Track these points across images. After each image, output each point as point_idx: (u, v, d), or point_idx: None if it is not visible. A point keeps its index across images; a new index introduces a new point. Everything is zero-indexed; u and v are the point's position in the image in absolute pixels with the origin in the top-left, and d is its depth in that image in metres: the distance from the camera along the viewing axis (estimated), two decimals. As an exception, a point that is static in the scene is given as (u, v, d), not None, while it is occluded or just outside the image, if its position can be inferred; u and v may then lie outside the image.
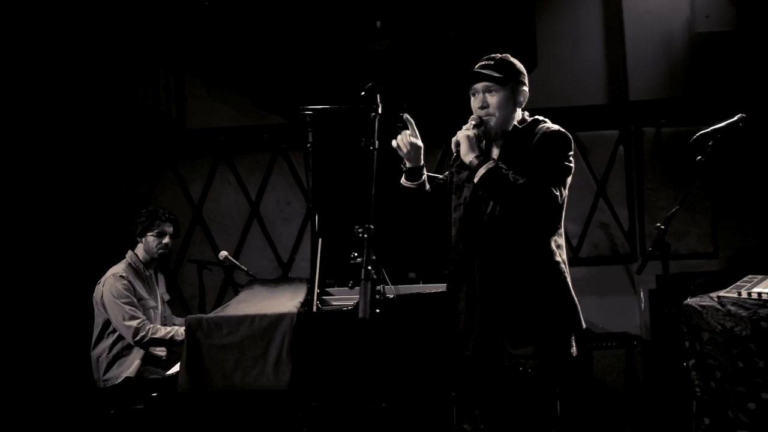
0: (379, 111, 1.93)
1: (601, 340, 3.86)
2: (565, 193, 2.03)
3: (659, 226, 2.41)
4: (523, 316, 1.99)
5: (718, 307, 2.39)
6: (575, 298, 2.09)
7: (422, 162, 2.19)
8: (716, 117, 2.52)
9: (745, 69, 4.28)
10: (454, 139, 2.07)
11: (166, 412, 2.85)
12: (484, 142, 2.13)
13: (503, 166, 1.99)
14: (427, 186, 2.25)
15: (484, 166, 1.97)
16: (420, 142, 2.15)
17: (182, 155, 4.66)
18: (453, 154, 2.08)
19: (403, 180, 2.21)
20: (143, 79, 4.23)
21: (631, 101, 4.45)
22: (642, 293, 4.39)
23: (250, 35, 4.03)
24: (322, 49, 4.00)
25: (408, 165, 2.18)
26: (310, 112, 3.16)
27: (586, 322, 2.14)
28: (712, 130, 2.46)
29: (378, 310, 1.56)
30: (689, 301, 2.51)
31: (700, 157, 2.40)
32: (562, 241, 2.10)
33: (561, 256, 2.08)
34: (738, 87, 4.25)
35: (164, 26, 4.15)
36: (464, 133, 2.05)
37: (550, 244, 2.04)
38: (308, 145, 2.86)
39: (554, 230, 2.08)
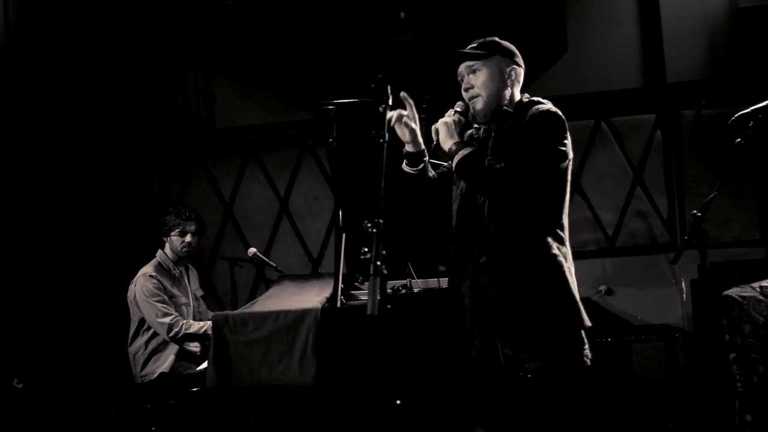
0: (390, 103, 1.89)
1: (639, 333, 3.73)
2: (551, 178, 1.87)
3: (695, 214, 2.31)
4: (514, 314, 1.87)
5: (761, 297, 2.26)
6: (576, 293, 1.93)
7: (423, 147, 2.08)
8: (761, 97, 2.38)
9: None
10: (433, 127, 1.97)
11: (197, 407, 2.90)
12: (482, 129, 2.03)
13: (479, 152, 1.90)
14: (431, 172, 2.16)
15: (459, 153, 1.89)
16: (414, 125, 2.01)
17: (212, 154, 4.74)
18: (433, 142, 1.98)
19: (404, 165, 2.11)
20: (173, 81, 4.31)
21: (668, 83, 4.26)
22: (683, 283, 4.22)
23: (273, 31, 4.05)
24: (346, 43, 3.98)
25: (407, 149, 2.07)
26: (333, 107, 3.13)
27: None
28: (752, 110, 2.34)
29: (389, 306, 1.53)
30: (729, 291, 2.38)
31: (739, 139, 2.29)
32: (564, 234, 1.96)
33: (560, 249, 1.92)
34: (784, 64, 4.03)
35: (191, 28, 4.23)
36: (443, 120, 1.96)
37: (546, 237, 1.90)
38: (331, 140, 2.84)
39: (552, 222, 1.93)
